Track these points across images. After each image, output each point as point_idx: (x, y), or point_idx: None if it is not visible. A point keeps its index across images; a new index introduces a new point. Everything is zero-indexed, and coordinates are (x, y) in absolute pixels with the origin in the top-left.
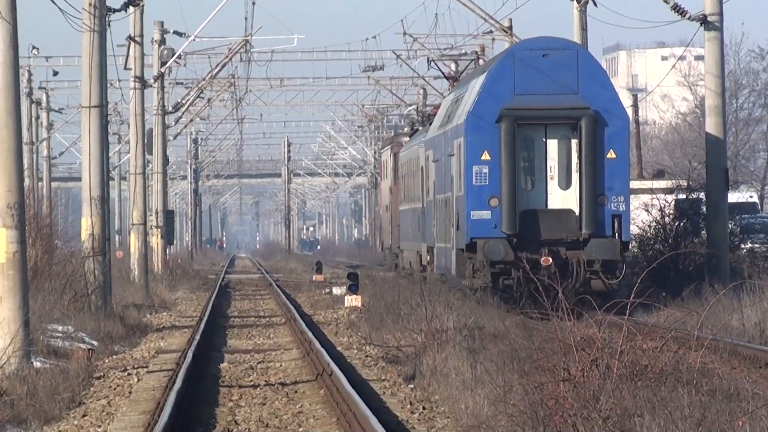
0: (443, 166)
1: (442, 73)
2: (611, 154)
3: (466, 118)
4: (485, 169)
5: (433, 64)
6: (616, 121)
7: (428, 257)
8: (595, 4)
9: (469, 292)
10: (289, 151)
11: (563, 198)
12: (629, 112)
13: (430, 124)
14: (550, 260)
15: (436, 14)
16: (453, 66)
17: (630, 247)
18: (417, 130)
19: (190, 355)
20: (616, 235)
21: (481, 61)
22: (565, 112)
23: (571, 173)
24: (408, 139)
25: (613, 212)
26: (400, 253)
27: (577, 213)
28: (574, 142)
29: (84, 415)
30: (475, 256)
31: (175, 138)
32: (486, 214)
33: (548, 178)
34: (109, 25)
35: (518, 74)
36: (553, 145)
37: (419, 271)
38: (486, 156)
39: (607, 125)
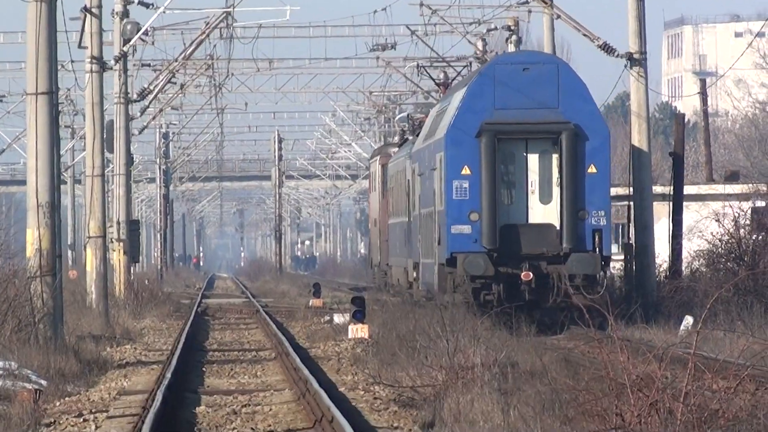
0: (427, 179)
1: (433, 80)
2: (592, 169)
3: (446, 133)
4: (465, 184)
5: (422, 70)
6: (597, 135)
7: (414, 273)
8: None
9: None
10: (280, 149)
11: (544, 212)
12: (696, 99)
13: (418, 135)
14: (531, 275)
15: None
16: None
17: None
18: (406, 139)
19: (159, 396)
20: (597, 249)
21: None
22: (546, 126)
23: (552, 187)
24: (397, 149)
25: (594, 227)
26: (388, 270)
27: (557, 227)
28: (554, 157)
29: None
30: (455, 271)
31: (141, 132)
32: (466, 229)
33: (529, 193)
34: None
35: (498, 88)
36: (533, 159)
37: (406, 288)
38: (466, 170)
39: (588, 140)
